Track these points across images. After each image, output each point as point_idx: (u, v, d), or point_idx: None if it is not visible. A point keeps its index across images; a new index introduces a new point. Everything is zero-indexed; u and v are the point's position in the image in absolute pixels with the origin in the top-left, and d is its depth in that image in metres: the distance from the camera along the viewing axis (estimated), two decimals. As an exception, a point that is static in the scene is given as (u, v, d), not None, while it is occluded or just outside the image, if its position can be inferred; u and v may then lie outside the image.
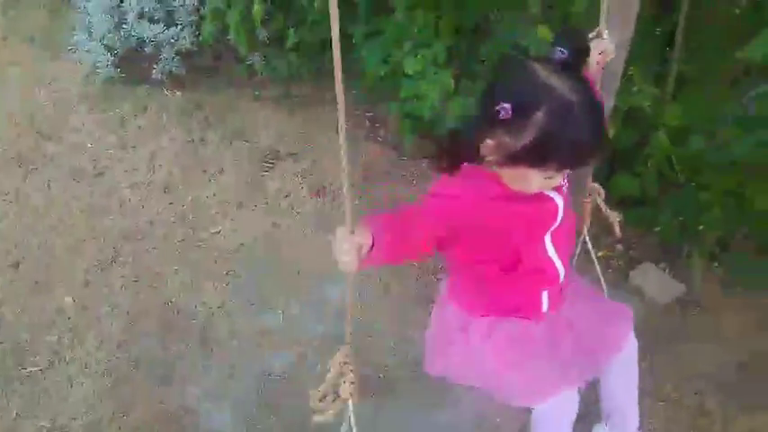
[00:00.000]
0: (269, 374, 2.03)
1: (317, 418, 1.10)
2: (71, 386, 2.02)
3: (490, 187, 1.15)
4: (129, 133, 3.02)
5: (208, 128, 3.01)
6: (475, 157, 1.12)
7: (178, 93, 3.21)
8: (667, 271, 2.28)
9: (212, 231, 2.53)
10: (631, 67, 2.13)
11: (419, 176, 2.65)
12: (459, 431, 1.57)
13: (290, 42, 2.96)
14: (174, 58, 3.15)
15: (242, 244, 2.47)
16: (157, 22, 3.13)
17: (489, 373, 1.32)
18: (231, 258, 2.41)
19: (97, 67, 3.20)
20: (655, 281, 2.25)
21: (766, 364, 1.96)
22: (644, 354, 1.97)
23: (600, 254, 2.37)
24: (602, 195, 1.62)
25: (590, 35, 1.39)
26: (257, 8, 2.85)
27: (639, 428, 1.56)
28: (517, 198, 1.16)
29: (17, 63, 3.48)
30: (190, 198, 2.67)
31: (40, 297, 2.29)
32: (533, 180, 1.13)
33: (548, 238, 1.24)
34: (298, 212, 2.59)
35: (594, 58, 1.36)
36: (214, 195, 2.68)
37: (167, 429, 1.89)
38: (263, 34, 3.03)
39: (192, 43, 3.16)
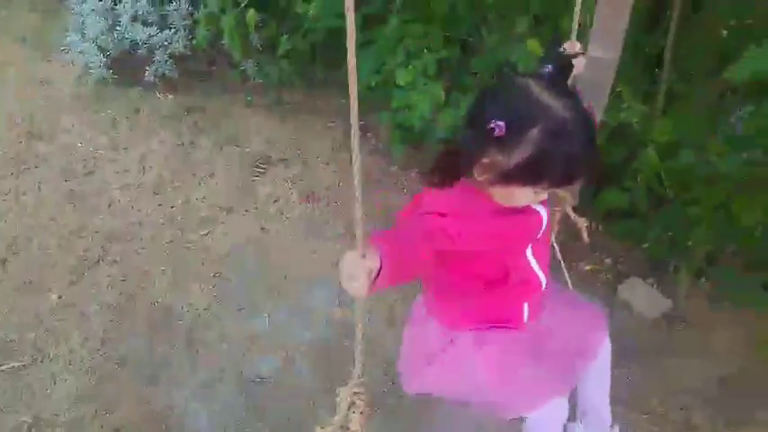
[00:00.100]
0: (255, 378, 2.04)
1: None
2: (54, 383, 2.01)
3: (478, 203, 1.15)
4: (121, 135, 3.02)
5: (199, 132, 3.02)
6: (467, 175, 1.11)
7: (170, 96, 3.21)
8: (655, 286, 2.30)
9: (201, 234, 2.54)
10: (620, 85, 2.17)
11: (410, 185, 2.69)
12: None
13: (282, 49, 2.98)
14: (166, 61, 3.16)
15: (231, 247, 2.48)
16: (151, 25, 3.14)
17: (480, 385, 1.32)
18: (219, 261, 2.42)
19: (90, 68, 3.20)
20: (642, 295, 2.27)
21: (752, 380, 1.99)
22: (631, 368, 2.01)
23: (588, 268, 2.41)
24: (572, 203, 1.62)
25: (565, 48, 1.40)
26: (251, 14, 2.87)
27: (612, 426, 1.60)
28: (505, 212, 1.16)
29: (9, 63, 3.47)
30: (179, 201, 2.68)
31: (26, 294, 2.29)
32: (523, 196, 1.14)
33: (529, 250, 1.26)
34: (287, 218, 2.61)
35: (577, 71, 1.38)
36: (204, 198, 2.69)
37: (151, 429, 1.89)
38: (256, 40, 3.05)
39: (186, 47, 3.18)
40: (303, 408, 1.94)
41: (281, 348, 2.12)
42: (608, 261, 2.44)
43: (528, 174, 1.07)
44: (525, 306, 1.32)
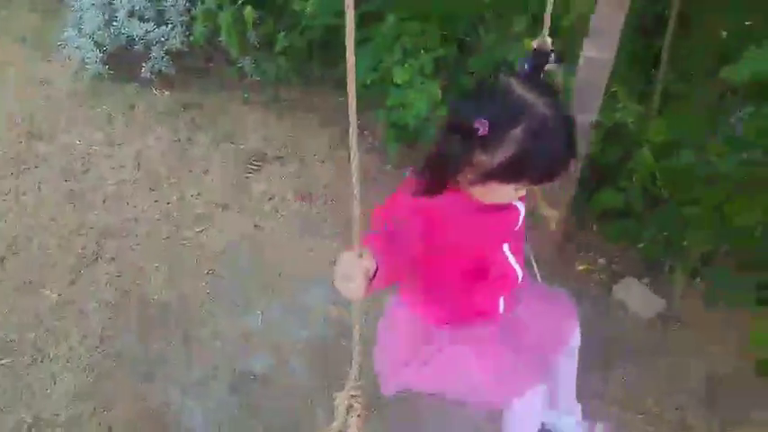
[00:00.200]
0: (250, 376, 2.03)
1: None
2: (54, 382, 2.01)
3: (460, 200, 1.15)
4: (117, 131, 3.01)
5: (195, 128, 3.02)
6: (455, 178, 1.12)
7: (167, 92, 3.20)
8: (650, 286, 2.30)
9: (196, 230, 2.53)
10: (614, 83, 2.17)
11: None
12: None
13: (279, 47, 2.97)
14: (163, 57, 3.15)
15: (226, 244, 2.48)
16: (148, 20, 3.12)
17: (461, 380, 1.35)
18: (214, 258, 2.42)
19: (86, 64, 3.19)
20: (637, 296, 2.27)
21: (747, 380, 1.99)
22: (626, 368, 2.04)
23: (582, 267, 2.41)
24: (540, 194, 1.62)
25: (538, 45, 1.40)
26: (248, 11, 2.86)
27: (575, 408, 1.72)
28: (485, 209, 1.18)
29: (9, 63, 3.46)
30: (175, 197, 2.67)
31: (26, 294, 2.29)
32: (503, 193, 1.15)
33: (506, 245, 1.30)
34: (282, 215, 2.60)
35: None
36: (199, 195, 2.68)
37: (148, 426, 1.89)
38: (253, 37, 3.04)
39: (183, 43, 3.16)
40: (297, 406, 1.94)
41: (275, 346, 2.11)
42: (602, 261, 2.44)
43: (510, 172, 1.09)
44: (501, 299, 1.36)
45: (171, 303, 2.24)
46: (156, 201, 2.65)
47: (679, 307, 2.24)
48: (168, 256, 2.42)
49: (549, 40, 1.38)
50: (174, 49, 3.16)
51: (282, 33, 2.96)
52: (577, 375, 1.96)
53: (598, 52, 1.83)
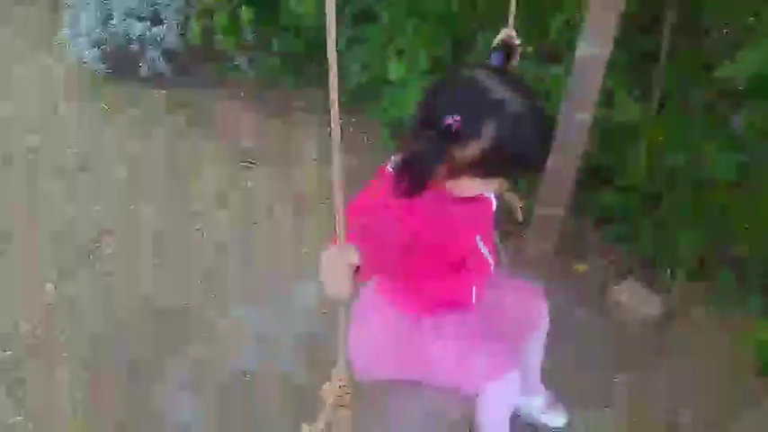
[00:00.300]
0: (244, 373, 2.02)
1: None
2: (49, 375, 2.00)
3: (433, 193, 1.14)
4: (113, 129, 3.02)
5: (190, 127, 3.02)
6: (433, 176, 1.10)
7: (163, 91, 3.21)
8: (648, 287, 2.26)
9: (191, 228, 2.53)
10: (612, 83, 2.15)
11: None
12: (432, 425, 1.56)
13: (275, 46, 2.97)
14: (159, 56, 3.15)
15: (219, 242, 2.47)
16: (144, 19, 3.12)
17: (440, 365, 1.36)
18: (208, 256, 2.41)
19: (84, 62, 3.19)
20: (634, 296, 2.24)
21: (743, 383, 1.97)
22: (622, 369, 2.02)
23: (580, 268, 2.39)
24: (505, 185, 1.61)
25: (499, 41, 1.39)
26: (245, 10, 2.86)
27: (540, 389, 1.78)
28: (458, 202, 1.18)
29: (6, 57, 3.49)
30: (170, 195, 2.67)
31: (22, 287, 2.29)
32: (475, 186, 1.15)
33: (478, 236, 1.31)
34: (275, 214, 2.59)
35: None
36: (194, 193, 2.68)
37: (142, 422, 1.87)
38: (249, 37, 3.04)
39: (179, 42, 3.16)
40: (291, 402, 1.92)
41: (268, 342, 2.10)
42: (601, 262, 2.42)
43: (483, 167, 1.08)
44: (474, 288, 1.37)
45: (163, 301, 2.23)
46: (150, 198, 2.65)
47: (677, 309, 2.21)
48: (163, 253, 2.41)
49: (514, 32, 1.38)
50: (170, 48, 3.16)
51: (279, 33, 2.96)
52: (575, 375, 1.98)
53: (592, 51, 1.82)
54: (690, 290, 2.25)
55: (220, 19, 2.96)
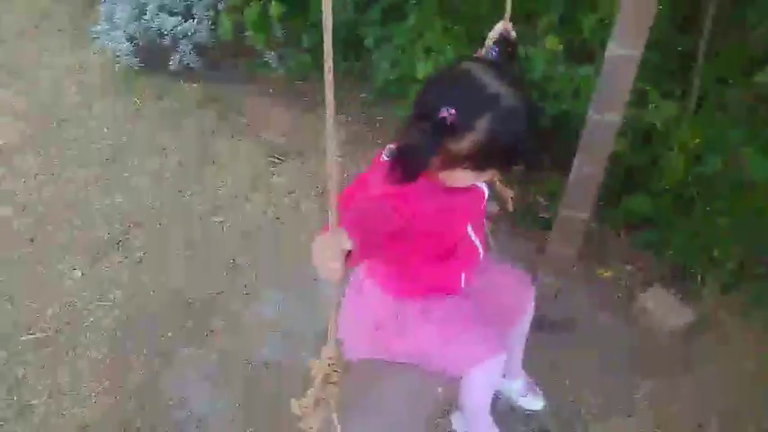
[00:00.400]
0: (263, 363, 2.04)
1: (304, 426, 1.06)
2: (72, 357, 2.06)
3: (427, 183, 1.16)
4: (144, 122, 3.07)
5: (220, 121, 3.05)
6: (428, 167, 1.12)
7: (194, 85, 3.25)
8: (678, 296, 2.19)
9: (216, 221, 2.55)
10: (645, 83, 2.09)
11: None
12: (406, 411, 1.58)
13: (305, 42, 2.97)
14: (190, 51, 3.19)
15: (244, 235, 2.49)
16: (176, 14, 3.16)
17: (429, 348, 1.39)
18: (233, 248, 2.43)
19: (117, 56, 3.25)
20: (663, 305, 2.16)
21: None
22: (645, 379, 1.97)
23: (606, 273, 2.34)
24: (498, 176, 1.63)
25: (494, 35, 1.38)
26: (275, 6, 2.86)
27: (521, 373, 1.83)
28: (451, 192, 1.21)
29: (47, 51, 3.59)
30: (197, 188, 2.71)
31: (50, 270, 2.35)
32: (467, 178, 1.17)
33: (469, 225, 1.35)
34: (301, 209, 2.60)
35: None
36: (221, 187, 2.71)
37: (157, 410, 1.90)
38: (279, 33, 3.05)
39: (210, 37, 3.19)
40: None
41: (289, 335, 2.11)
42: (629, 268, 2.36)
43: (476, 160, 1.11)
44: (463, 274, 1.41)
45: (189, 291, 2.26)
46: (179, 190, 2.69)
47: (710, 320, 2.13)
48: (188, 244, 2.45)
49: (510, 25, 1.37)
50: (201, 43, 3.19)
51: (308, 29, 2.97)
52: (598, 380, 1.96)
53: (623, 50, 1.76)
54: (723, 300, 2.17)
55: (250, 15, 2.98)
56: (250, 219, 2.57)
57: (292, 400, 1.03)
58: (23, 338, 2.10)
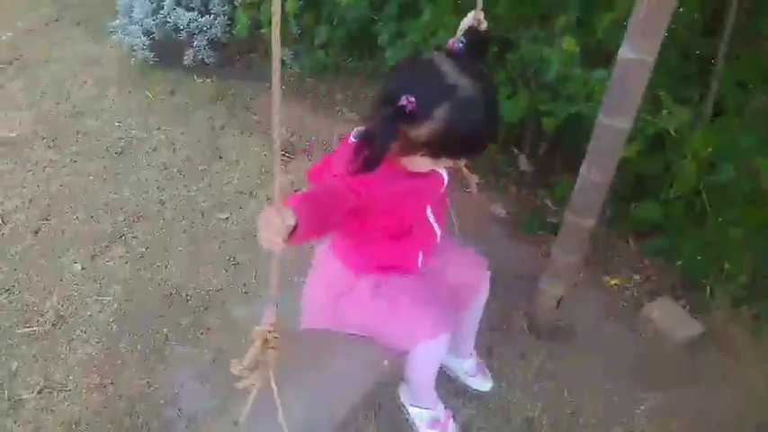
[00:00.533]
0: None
1: (242, 386, 1.10)
2: (69, 349, 2.06)
3: (389, 166, 1.20)
4: (155, 115, 3.08)
5: (230, 117, 3.05)
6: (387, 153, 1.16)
7: (207, 80, 3.26)
8: (686, 307, 2.13)
9: (221, 217, 2.54)
10: (659, 88, 2.04)
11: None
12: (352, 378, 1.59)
13: (319, 40, 2.96)
14: (205, 46, 3.20)
15: (248, 233, 2.48)
16: (192, 10, 3.18)
17: (378, 322, 1.43)
18: (235, 245, 2.42)
19: (134, 50, 3.28)
20: (671, 316, 2.10)
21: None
22: (649, 392, 1.92)
23: (613, 282, 2.28)
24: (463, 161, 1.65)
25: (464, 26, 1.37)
26: (290, 3, 2.86)
27: (472, 353, 1.87)
28: (411, 176, 1.26)
29: (65, 44, 3.64)
30: (203, 183, 2.70)
31: (52, 262, 2.36)
32: (426, 164, 1.22)
33: (428, 208, 1.41)
34: (307, 207, 2.58)
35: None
36: (227, 183, 2.71)
37: (149, 405, 1.89)
38: (294, 30, 3.04)
39: (224, 33, 3.20)
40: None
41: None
42: (637, 277, 2.30)
43: (433, 147, 1.15)
44: (420, 254, 1.46)
45: (188, 287, 2.25)
46: (185, 185, 2.69)
47: (719, 334, 2.06)
48: (191, 240, 2.44)
49: (482, 15, 1.37)
50: (215, 39, 3.20)
51: (323, 26, 2.95)
52: (601, 386, 1.93)
53: (635, 54, 1.71)
54: (733, 313, 2.10)
55: (266, 11, 2.97)
56: (254, 216, 2.56)
57: (232, 361, 1.06)
58: (19, 331, 2.10)
